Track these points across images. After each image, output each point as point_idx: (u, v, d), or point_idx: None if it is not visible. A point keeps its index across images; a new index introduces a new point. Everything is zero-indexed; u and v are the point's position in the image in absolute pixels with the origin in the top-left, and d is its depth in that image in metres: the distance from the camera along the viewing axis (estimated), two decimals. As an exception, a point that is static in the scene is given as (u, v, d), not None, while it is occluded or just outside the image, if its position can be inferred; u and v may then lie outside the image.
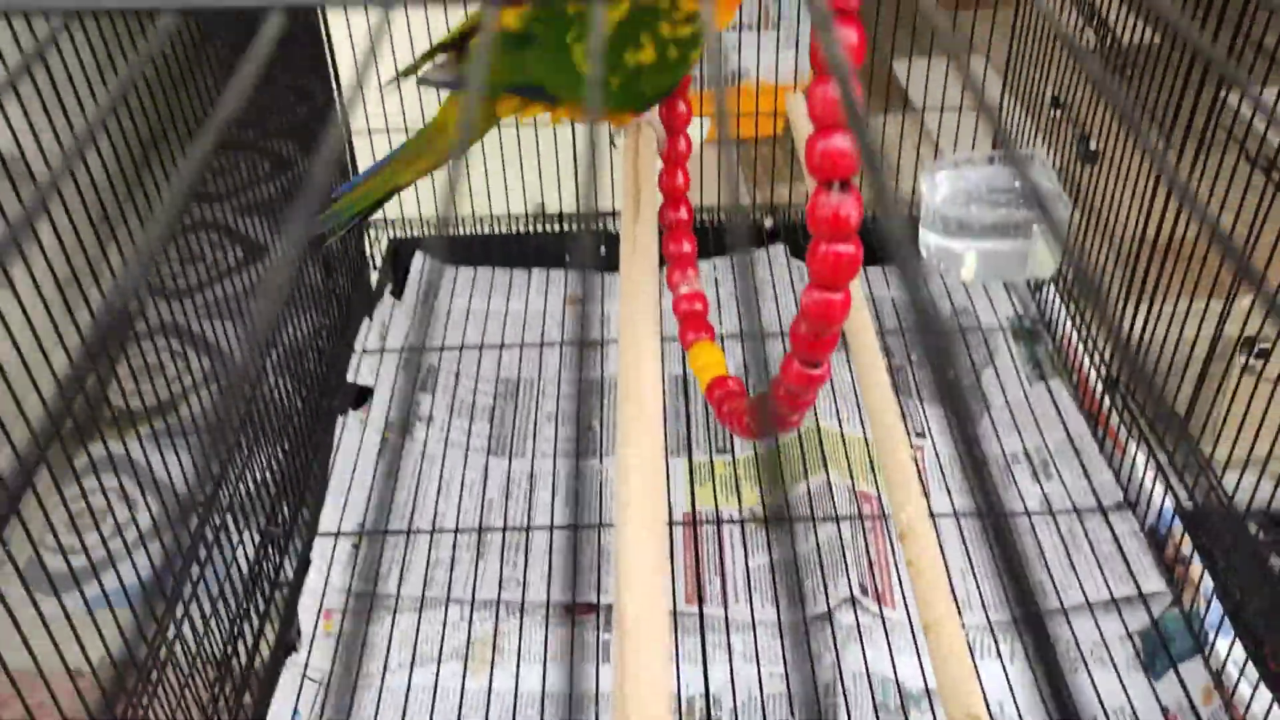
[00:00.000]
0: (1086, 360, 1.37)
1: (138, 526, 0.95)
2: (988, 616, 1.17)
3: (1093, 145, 1.29)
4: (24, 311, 0.78)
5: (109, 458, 0.90)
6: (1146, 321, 1.23)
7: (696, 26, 0.86)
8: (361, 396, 1.42)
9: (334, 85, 1.52)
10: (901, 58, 2.05)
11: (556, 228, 1.64)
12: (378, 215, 1.64)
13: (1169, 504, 1.19)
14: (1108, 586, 1.16)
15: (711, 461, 1.35)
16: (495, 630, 1.17)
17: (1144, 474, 1.22)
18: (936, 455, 1.33)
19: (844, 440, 1.33)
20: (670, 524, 1.27)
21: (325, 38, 1.49)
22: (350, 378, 1.42)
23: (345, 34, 1.50)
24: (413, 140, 1.00)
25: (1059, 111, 1.38)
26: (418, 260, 1.62)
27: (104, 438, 0.91)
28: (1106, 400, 1.30)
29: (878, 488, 1.28)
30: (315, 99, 1.45)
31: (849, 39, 0.67)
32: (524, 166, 1.61)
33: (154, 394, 1.01)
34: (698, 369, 0.98)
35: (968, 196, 1.40)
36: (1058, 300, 1.45)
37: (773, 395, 0.82)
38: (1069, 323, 1.42)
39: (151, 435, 1.16)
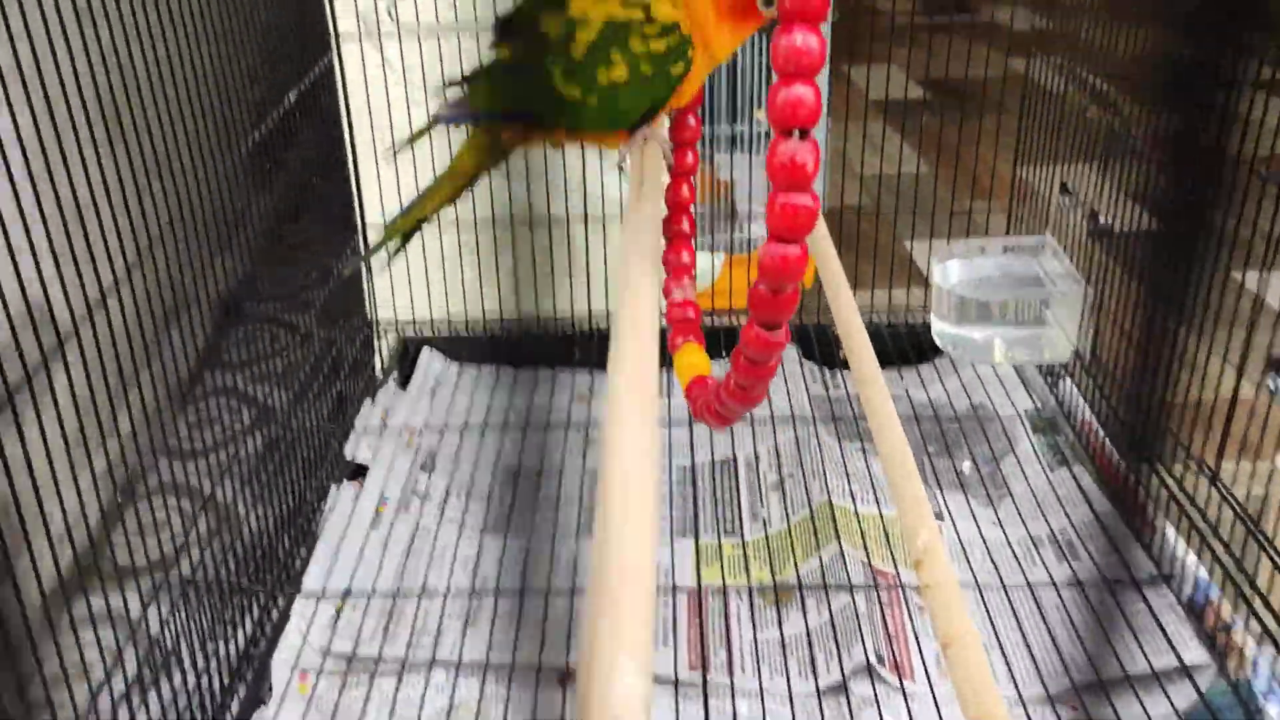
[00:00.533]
0: (1108, 443, 1.32)
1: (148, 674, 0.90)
2: (1018, 691, 1.07)
3: (1102, 220, 1.29)
4: (48, 452, 0.77)
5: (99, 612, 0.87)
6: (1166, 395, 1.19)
7: (673, 39, 0.87)
8: (357, 472, 1.37)
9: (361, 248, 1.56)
10: (906, 238, 2.11)
11: (566, 330, 1.64)
12: (387, 314, 1.65)
13: (1203, 573, 1.11)
14: (1146, 659, 1.07)
15: (719, 543, 1.28)
16: (480, 695, 1.08)
17: (1176, 546, 1.15)
18: (957, 534, 1.26)
19: (858, 517, 1.27)
20: (673, 590, 1.19)
21: (360, 218, 1.55)
22: (348, 454, 1.38)
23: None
24: (438, 178, 1.02)
25: (1067, 198, 1.39)
26: (424, 356, 1.61)
27: (105, 592, 0.88)
28: (1132, 478, 1.25)
29: (894, 564, 1.21)
30: (339, 277, 1.49)
31: None
32: (535, 266, 1.62)
33: (157, 549, 0.98)
34: (681, 369, 0.95)
35: (980, 282, 1.40)
36: (1075, 390, 1.41)
37: (734, 367, 0.79)
38: (1087, 409, 1.37)
39: (149, 590, 1.09)
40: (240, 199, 1.15)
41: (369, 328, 1.62)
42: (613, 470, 0.56)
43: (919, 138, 2.75)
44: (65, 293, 0.80)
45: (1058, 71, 1.43)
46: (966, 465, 1.38)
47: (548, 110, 0.93)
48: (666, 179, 1.01)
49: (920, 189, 1.58)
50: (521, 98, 0.93)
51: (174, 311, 1.03)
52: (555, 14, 0.94)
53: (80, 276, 0.81)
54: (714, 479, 1.39)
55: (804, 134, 0.66)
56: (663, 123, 1.03)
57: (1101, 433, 1.34)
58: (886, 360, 1.60)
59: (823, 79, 2.25)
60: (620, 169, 0.97)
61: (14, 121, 0.74)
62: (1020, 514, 1.29)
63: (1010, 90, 1.58)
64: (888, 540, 1.25)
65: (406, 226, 1.02)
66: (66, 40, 0.80)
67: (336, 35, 1.47)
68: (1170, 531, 1.18)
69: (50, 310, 0.79)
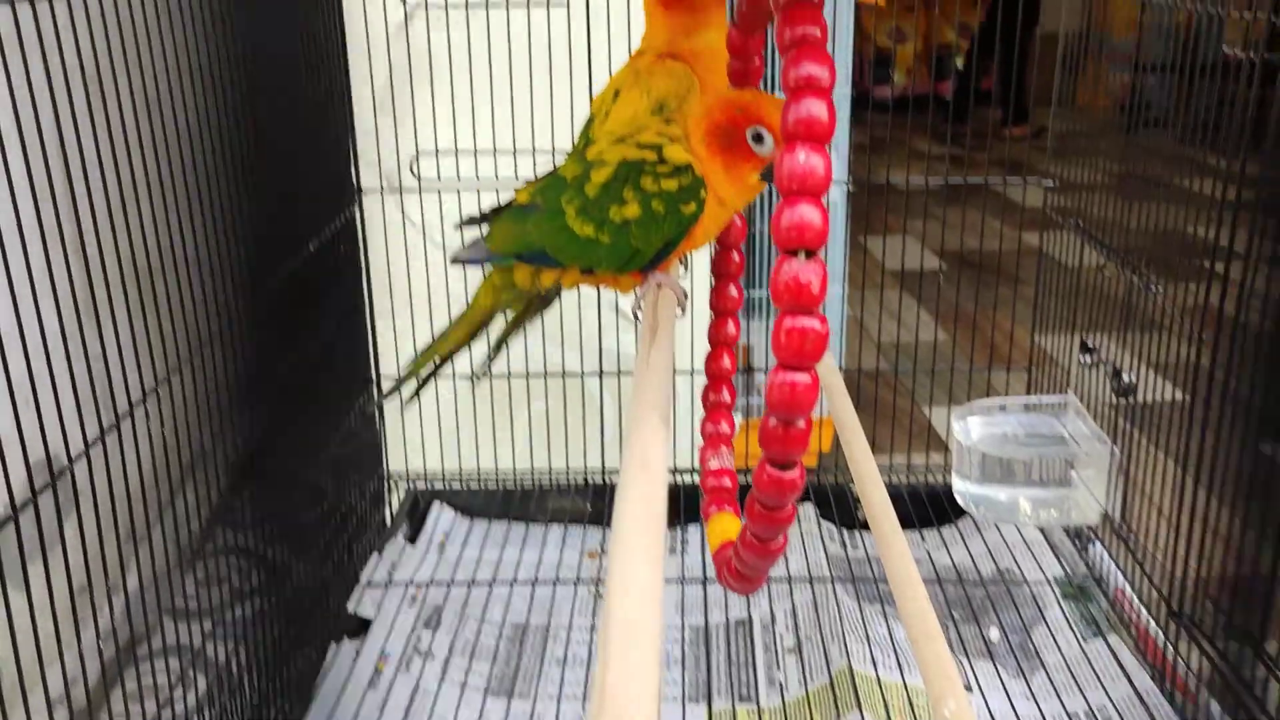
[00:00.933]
0: (1144, 612, 1.26)
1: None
2: None
3: (1125, 378, 1.26)
4: (32, 614, 0.74)
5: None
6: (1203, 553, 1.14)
7: (685, 179, 0.87)
8: (360, 627, 1.32)
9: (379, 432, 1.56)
10: (924, 403, 2.10)
11: (579, 481, 1.60)
12: (399, 466, 1.62)
13: (1257, 753, 1.04)
14: (1198, 846, 0.99)
15: (734, 710, 1.21)
16: None
17: (1224, 723, 1.08)
18: (987, 707, 1.19)
19: (880, 684, 1.20)
20: (685, 761, 1.12)
21: (374, 370, 1.56)
22: (351, 608, 1.33)
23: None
24: (455, 320, 1.02)
25: (1088, 356, 1.37)
26: (435, 510, 1.57)
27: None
28: (1170, 650, 1.18)
29: (921, 736, 1.14)
30: (360, 437, 1.48)
31: (819, 111, 0.65)
32: (549, 420, 1.60)
33: (140, 717, 0.93)
34: (713, 535, 0.91)
35: (1003, 439, 1.36)
36: (1106, 556, 1.36)
37: (749, 516, 0.75)
38: (1120, 576, 1.32)
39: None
40: (260, 347, 1.13)
41: (380, 481, 1.59)
42: (616, 608, 0.52)
43: (936, 306, 2.77)
44: (66, 443, 0.78)
45: (1074, 234, 1.43)
46: (994, 633, 1.32)
47: (562, 249, 0.92)
48: (677, 323, 0.99)
49: (938, 356, 1.57)
50: (537, 237, 0.93)
51: (188, 468, 1.00)
52: (573, 158, 0.95)
53: (83, 427, 0.79)
54: (728, 640, 1.32)
55: (810, 254, 0.64)
56: (677, 270, 1.03)
57: (1137, 601, 1.28)
58: (907, 522, 1.55)
59: (838, 242, 2.27)
60: (635, 315, 0.95)
61: (26, 261, 0.73)
62: (1054, 687, 1.22)
63: (1023, 262, 1.59)
64: (912, 710, 1.18)
65: (423, 367, 1.01)
66: (85, 177, 0.81)
67: (359, 189, 1.49)
68: (1215, 708, 1.11)
69: (50, 465, 0.76)
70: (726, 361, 0.99)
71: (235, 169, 1.06)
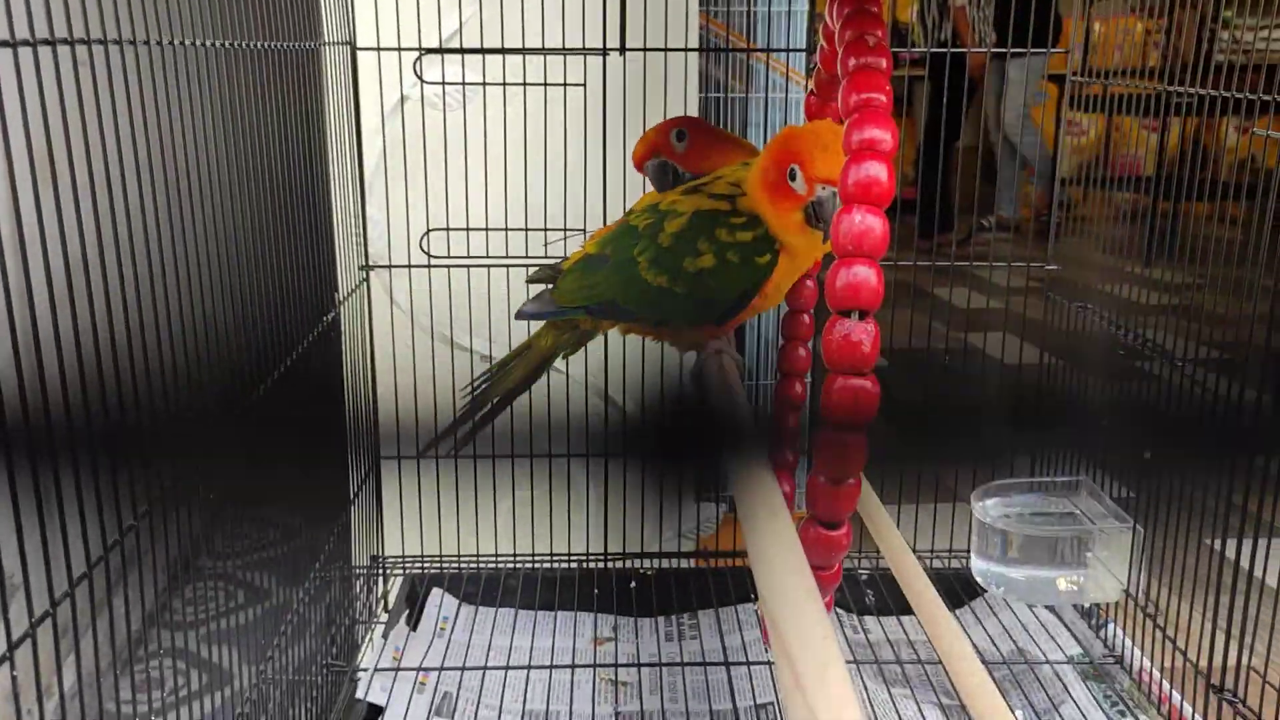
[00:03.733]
0: (1176, 693, 1.26)
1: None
2: None
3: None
4: None
5: None
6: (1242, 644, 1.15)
7: (760, 231, 0.86)
8: (372, 715, 1.25)
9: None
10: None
11: (587, 566, 1.56)
12: (395, 550, 1.57)
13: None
14: None
15: (771, 798, 1.17)
16: None
17: (1273, 799, 1.08)
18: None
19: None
20: None
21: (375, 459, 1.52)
22: (360, 694, 1.27)
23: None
24: (508, 358, 1.01)
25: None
26: (435, 596, 1.52)
27: None
28: (1207, 726, 1.18)
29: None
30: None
31: (878, 174, 0.66)
32: (552, 501, 1.56)
33: None
34: None
35: (1022, 519, 1.37)
36: (1122, 634, 1.36)
37: None
38: (1140, 654, 1.32)
39: None
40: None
41: (377, 567, 1.53)
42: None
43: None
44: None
45: (1073, 312, 1.47)
46: (1020, 715, 1.30)
47: (635, 301, 0.91)
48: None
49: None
50: (608, 289, 0.92)
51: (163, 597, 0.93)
52: (644, 209, 0.95)
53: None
54: (757, 728, 1.29)
55: (863, 315, 0.64)
56: (731, 343, 1.02)
57: (1164, 681, 1.28)
58: (905, 609, 1.54)
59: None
60: (687, 383, 0.95)
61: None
62: (1091, 768, 1.20)
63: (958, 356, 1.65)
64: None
65: (479, 409, 0.99)
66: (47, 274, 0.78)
67: (368, 265, 1.46)
68: (1261, 784, 1.10)
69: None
70: (792, 421, 0.99)
71: (224, 264, 1.00)
